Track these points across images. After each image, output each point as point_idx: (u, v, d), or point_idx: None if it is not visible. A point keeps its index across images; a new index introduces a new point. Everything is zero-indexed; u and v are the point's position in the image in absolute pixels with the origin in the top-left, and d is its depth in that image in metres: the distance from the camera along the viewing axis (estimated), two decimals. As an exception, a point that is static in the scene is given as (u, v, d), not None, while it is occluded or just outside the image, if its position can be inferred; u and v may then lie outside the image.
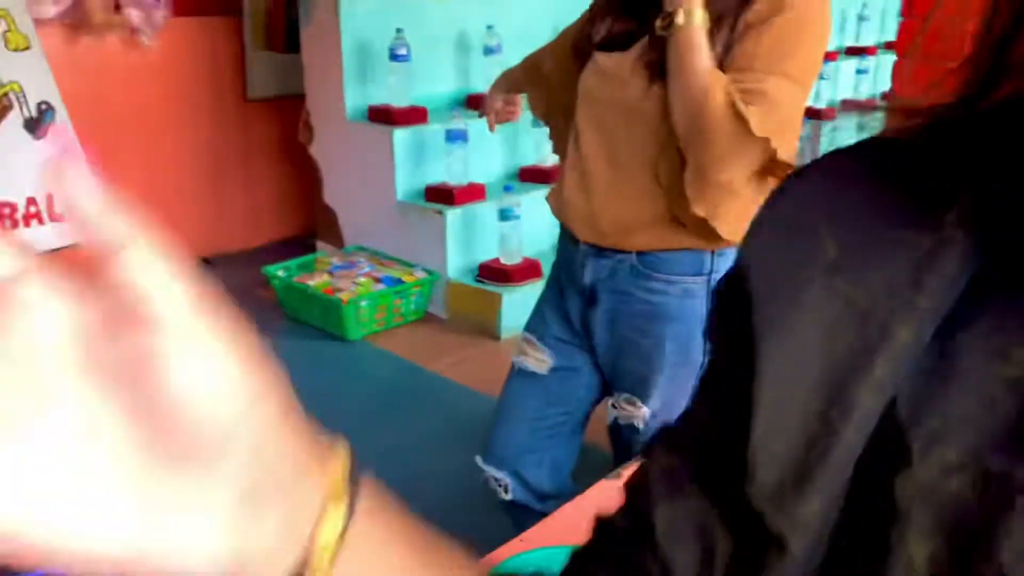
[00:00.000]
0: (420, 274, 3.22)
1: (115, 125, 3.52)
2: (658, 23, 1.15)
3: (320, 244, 3.75)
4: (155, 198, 3.82)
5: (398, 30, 3.26)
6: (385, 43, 3.28)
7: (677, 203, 1.23)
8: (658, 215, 1.26)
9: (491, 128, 1.63)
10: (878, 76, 5.26)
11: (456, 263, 3.21)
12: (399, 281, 3.14)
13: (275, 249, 3.93)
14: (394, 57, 3.27)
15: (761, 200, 1.24)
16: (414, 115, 3.32)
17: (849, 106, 5.12)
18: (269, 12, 3.80)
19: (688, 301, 1.32)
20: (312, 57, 3.48)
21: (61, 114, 1.91)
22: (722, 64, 1.17)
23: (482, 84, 3.15)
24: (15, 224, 1.81)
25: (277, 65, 3.87)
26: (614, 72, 1.26)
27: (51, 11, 3.18)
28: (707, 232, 1.24)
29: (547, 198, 1.45)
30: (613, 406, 1.42)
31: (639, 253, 1.30)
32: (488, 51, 3.45)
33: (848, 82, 5.27)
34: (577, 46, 1.35)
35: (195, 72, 3.73)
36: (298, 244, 3.89)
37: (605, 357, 1.41)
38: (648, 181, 1.25)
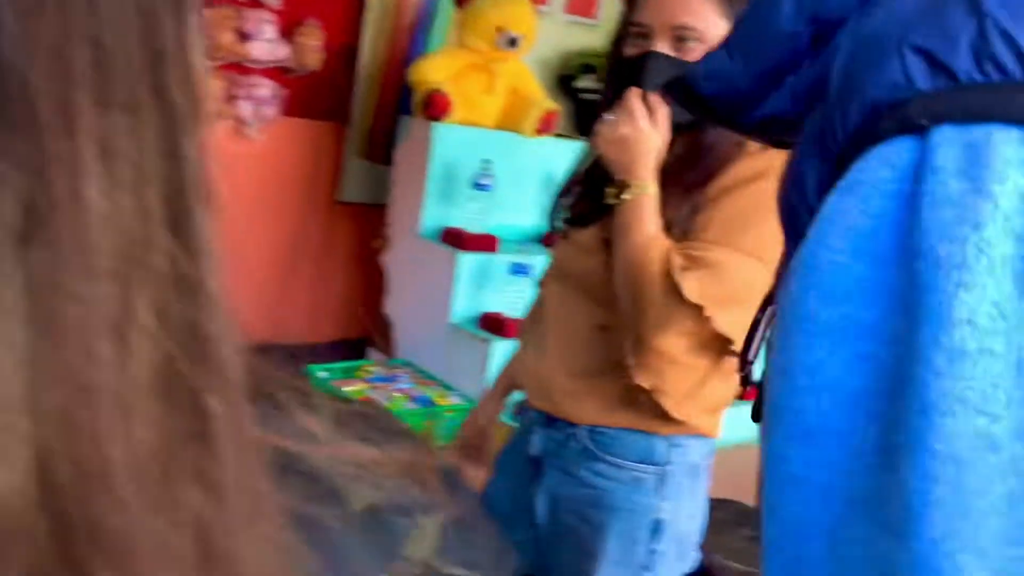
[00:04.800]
0: (456, 400, 3.14)
1: (208, 205, 3.68)
2: (609, 191, 1.15)
3: (371, 352, 3.75)
4: (229, 278, 4.00)
5: (485, 161, 3.33)
6: (471, 170, 3.36)
7: (628, 374, 1.17)
8: (611, 389, 1.20)
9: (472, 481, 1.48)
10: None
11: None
12: (433, 403, 3.08)
13: (334, 348, 3.96)
14: (477, 185, 3.33)
15: (718, 379, 1.16)
16: (484, 242, 3.34)
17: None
18: (373, 123, 3.96)
19: (637, 494, 1.21)
20: (401, 172, 3.58)
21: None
22: (684, 237, 1.15)
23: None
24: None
25: (370, 174, 4.00)
26: (582, 246, 1.24)
27: (170, 92, 3.41)
28: (657, 410, 1.17)
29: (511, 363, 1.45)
30: None
31: (590, 429, 1.22)
32: (571, 194, 3.48)
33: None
34: (552, 221, 1.36)
35: (292, 168, 3.89)
36: (358, 348, 3.92)
37: (543, 541, 1.30)
38: (600, 354, 1.21)
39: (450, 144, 3.42)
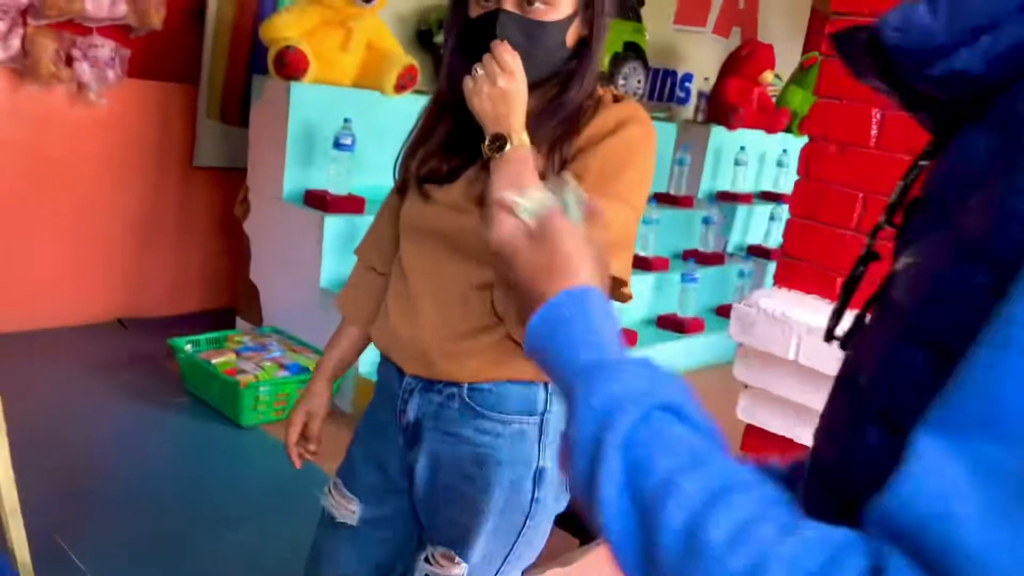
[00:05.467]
0: (330, 365, 3.12)
1: (50, 175, 3.47)
2: (486, 145, 1.14)
3: (239, 322, 3.66)
4: (82, 252, 3.74)
5: (346, 120, 3.27)
6: (332, 130, 3.29)
7: (515, 329, 1.18)
8: (490, 342, 1.21)
9: (296, 464, 1.50)
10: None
11: (369, 359, 3.13)
12: (305, 370, 3.04)
13: (198, 320, 3.83)
14: (338, 145, 3.26)
15: None
16: (350, 204, 3.29)
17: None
18: (225, 84, 3.81)
19: (520, 444, 1.24)
20: (258, 133, 3.47)
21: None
22: None
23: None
24: None
25: (227, 137, 3.86)
26: (446, 203, 1.23)
27: (-3, 56, 3.16)
28: None
29: (370, 332, 1.39)
30: (426, 560, 1.29)
31: (470, 387, 1.23)
32: (435, 151, 3.46)
33: (760, 227, 5.24)
34: (399, 182, 1.33)
35: (142, 133, 3.70)
36: (223, 318, 3.81)
37: (423, 504, 1.30)
38: (479, 313, 1.21)
39: (308, 104, 3.33)
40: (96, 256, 3.68)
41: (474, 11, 1.19)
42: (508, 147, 1.12)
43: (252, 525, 2.38)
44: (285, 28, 3.31)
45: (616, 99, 1.23)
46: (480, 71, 1.14)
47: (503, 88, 1.13)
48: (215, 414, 3.01)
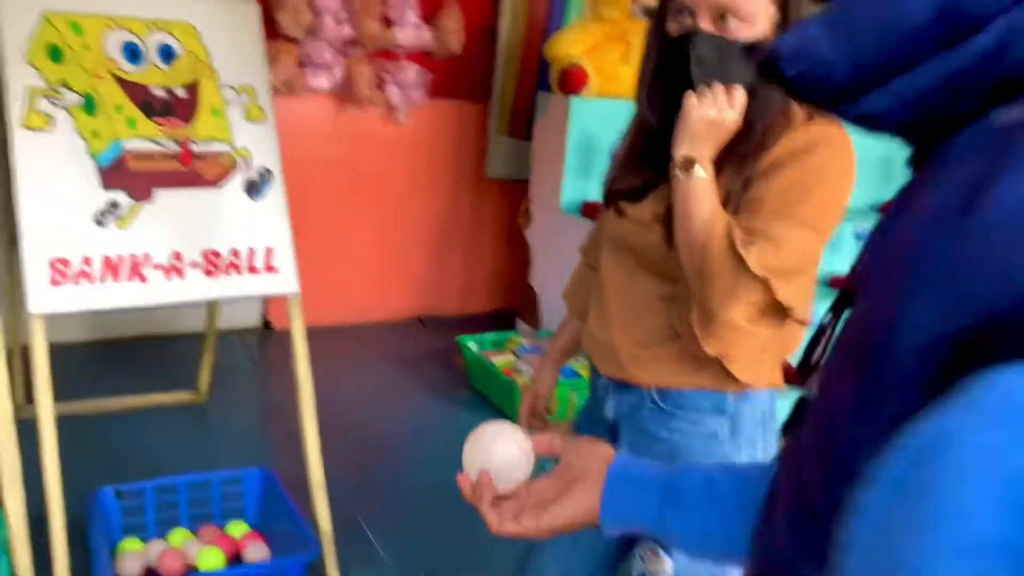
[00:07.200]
0: (601, 371, 3.22)
1: (364, 188, 3.91)
2: (679, 161, 1.15)
3: (519, 324, 3.88)
4: (387, 255, 4.18)
5: (623, 132, 3.35)
6: (609, 143, 3.38)
7: (694, 343, 1.22)
8: (674, 353, 1.25)
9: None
10: None
11: (639, 366, 3.18)
12: (578, 375, 3.16)
13: (484, 320, 4.13)
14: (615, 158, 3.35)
15: (782, 341, 1.19)
16: (625, 214, 3.36)
17: None
18: (514, 102, 4.05)
19: (714, 445, 1.26)
20: (541, 147, 3.66)
21: (278, 181, 2.17)
22: (737, 210, 1.17)
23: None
24: (216, 269, 2.07)
25: (515, 150, 4.11)
26: (636, 220, 1.27)
27: (325, 84, 3.63)
28: (724, 373, 1.22)
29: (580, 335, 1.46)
30: (640, 558, 1.35)
31: (659, 390, 1.27)
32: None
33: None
34: (605, 196, 1.38)
35: (441, 148, 4.06)
36: (506, 319, 4.06)
37: None
38: (663, 323, 1.25)
39: (587, 117, 3.46)
40: (400, 260, 4.09)
41: (672, 28, 1.20)
42: (701, 173, 1.13)
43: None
44: (568, 46, 3.46)
45: (810, 117, 1.19)
46: (709, 93, 1.15)
47: (722, 119, 1.14)
48: (495, 410, 3.23)
